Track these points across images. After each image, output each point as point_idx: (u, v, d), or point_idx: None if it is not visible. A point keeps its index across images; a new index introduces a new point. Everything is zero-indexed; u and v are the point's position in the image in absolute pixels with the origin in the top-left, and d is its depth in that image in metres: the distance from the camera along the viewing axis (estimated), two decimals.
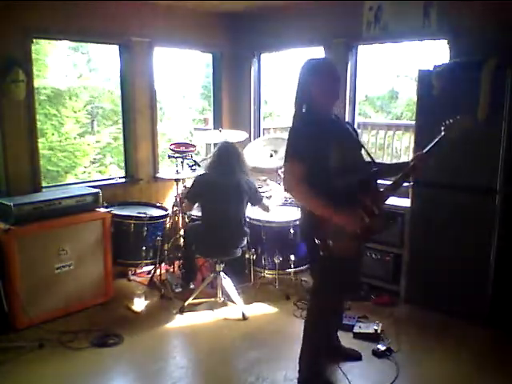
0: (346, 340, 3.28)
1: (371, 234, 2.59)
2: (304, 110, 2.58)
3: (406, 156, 6.60)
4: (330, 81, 2.55)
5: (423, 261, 3.71)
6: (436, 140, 2.56)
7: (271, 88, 10.45)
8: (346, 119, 4.56)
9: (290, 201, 4.54)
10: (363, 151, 2.71)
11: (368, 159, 2.72)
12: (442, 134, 2.55)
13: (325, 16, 4.62)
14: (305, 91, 2.56)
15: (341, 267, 2.51)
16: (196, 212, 4.18)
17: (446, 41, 3.87)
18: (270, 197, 4.22)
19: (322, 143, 2.45)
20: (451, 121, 2.54)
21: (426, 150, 2.58)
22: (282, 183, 2.60)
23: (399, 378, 2.87)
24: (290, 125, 2.60)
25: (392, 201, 3.97)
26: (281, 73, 10.36)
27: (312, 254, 2.60)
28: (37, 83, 8.29)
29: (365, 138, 6.88)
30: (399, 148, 6.77)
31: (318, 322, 2.74)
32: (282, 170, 2.57)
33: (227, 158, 3.74)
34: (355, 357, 3.10)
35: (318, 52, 4.78)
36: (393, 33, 4.18)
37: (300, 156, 2.43)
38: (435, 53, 5.98)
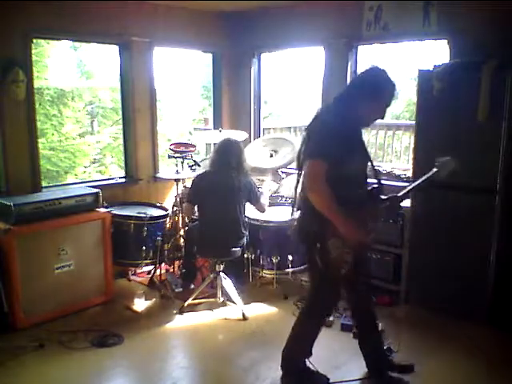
0: (346, 340, 3.30)
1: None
2: (344, 110, 2.49)
3: (406, 156, 6.60)
4: (384, 106, 2.55)
5: (423, 261, 3.70)
6: (427, 176, 2.63)
7: (271, 88, 10.43)
8: None
9: (288, 200, 4.54)
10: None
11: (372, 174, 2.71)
12: (435, 170, 2.62)
13: (325, 16, 4.62)
14: (358, 96, 2.49)
15: (337, 276, 2.52)
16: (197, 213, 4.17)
17: (445, 41, 3.87)
18: (262, 193, 4.06)
19: (349, 151, 2.43)
20: (444, 160, 2.62)
21: (404, 192, 2.63)
22: (304, 181, 2.44)
23: None
24: (320, 116, 2.52)
25: None
26: (281, 73, 10.36)
27: (311, 256, 2.58)
28: (39, 84, 8.33)
29: (365, 138, 6.84)
30: (399, 148, 6.77)
31: (314, 321, 2.78)
32: (306, 164, 2.41)
33: (227, 156, 3.69)
34: None
35: (318, 52, 4.79)
36: (393, 33, 4.18)
37: (328, 155, 2.35)
38: (435, 53, 5.98)
